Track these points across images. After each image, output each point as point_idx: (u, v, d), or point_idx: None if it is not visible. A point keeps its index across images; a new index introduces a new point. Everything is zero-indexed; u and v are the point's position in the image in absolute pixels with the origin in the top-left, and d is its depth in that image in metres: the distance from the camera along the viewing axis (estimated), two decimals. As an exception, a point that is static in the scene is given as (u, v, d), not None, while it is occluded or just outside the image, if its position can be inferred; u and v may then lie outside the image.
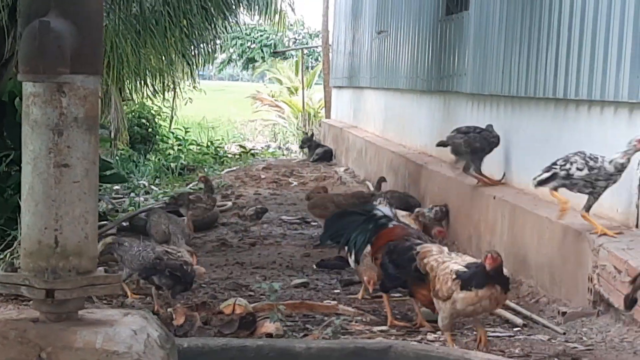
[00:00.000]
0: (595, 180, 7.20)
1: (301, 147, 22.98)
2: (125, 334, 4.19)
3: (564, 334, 6.70)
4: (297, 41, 50.25)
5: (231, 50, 48.04)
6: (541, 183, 7.54)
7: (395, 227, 7.23)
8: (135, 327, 4.27)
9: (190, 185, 16.24)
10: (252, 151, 24.61)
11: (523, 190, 9.44)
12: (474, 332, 6.70)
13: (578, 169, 7.24)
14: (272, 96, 36.35)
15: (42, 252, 4.21)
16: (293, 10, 20.56)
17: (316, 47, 39.44)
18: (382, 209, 7.52)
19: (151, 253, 7.42)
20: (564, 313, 7.06)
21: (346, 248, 7.47)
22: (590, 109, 8.30)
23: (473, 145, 9.83)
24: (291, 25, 39.32)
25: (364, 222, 7.29)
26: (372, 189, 14.14)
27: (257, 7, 17.93)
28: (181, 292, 7.43)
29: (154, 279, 7.37)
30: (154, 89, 18.91)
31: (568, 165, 7.32)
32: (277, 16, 18.71)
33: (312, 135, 23.27)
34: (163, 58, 15.30)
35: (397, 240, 6.98)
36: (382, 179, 12.12)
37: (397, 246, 6.92)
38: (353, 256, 7.37)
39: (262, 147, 27.00)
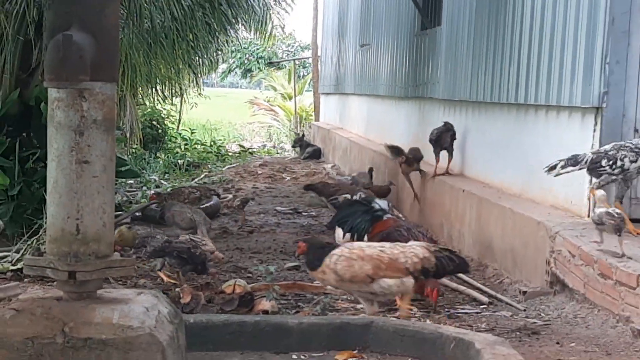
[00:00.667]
0: None
1: (293, 147, 22.93)
2: (138, 311, 4.19)
3: (525, 310, 6.71)
4: (290, 53, 50.18)
5: (231, 61, 47.93)
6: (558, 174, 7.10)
7: (389, 220, 7.28)
8: (147, 305, 4.27)
9: (196, 179, 16.21)
10: (250, 150, 24.55)
11: (489, 185, 9.45)
12: (446, 310, 6.72)
13: (631, 160, 6.88)
14: (268, 101, 36.27)
15: (65, 238, 4.22)
16: (283, 29, 20.54)
17: (307, 58, 39.39)
18: (380, 202, 7.55)
19: (179, 242, 7.47)
20: (524, 292, 7.07)
21: (349, 233, 7.51)
22: (548, 113, 8.31)
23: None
24: (284, 39, 39.31)
25: (364, 213, 7.33)
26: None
27: (253, 24, 17.90)
28: (191, 271, 7.43)
29: (165, 259, 7.43)
30: (164, 94, 18.90)
31: (619, 162, 6.88)
32: (268, 32, 18.69)
33: (303, 135, 23.24)
34: (172, 68, 15.27)
35: (388, 230, 7.02)
36: (371, 169, 12.29)
37: (389, 235, 6.95)
38: (355, 240, 7.41)
39: (259, 147, 26.92)
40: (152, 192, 11.85)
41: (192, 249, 7.38)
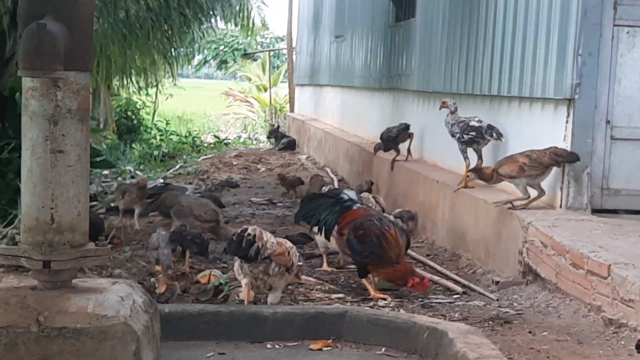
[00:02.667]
0: None
1: (268, 138, 22.91)
2: (113, 300, 4.17)
3: (498, 300, 6.72)
4: (264, 44, 50.09)
5: (206, 52, 47.78)
6: None
7: (359, 209, 7.24)
8: (122, 294, 4.26)
9: (171, 170, 16.17)
10: (225, 141, 24.51)
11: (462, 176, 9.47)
12: (420, 299, 6.73)
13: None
14: (243, 93, 36.21)
15: (40, 228, 4.19)
16: (265, 24, 20.55)
17: (281, 49, 39.34)
18: (348, 192, 7.50)
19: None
20: (497, 282, 7.10)
21: (316, 227, 7.45)
22: (521, 104, 8.34)
23: None
24: (258, 29, 39.29)
25: (332, 205, 7.28)
26: (331, 175, 14.12)
27: (229, 16, 17.89)
28: (198, 254, 7.64)
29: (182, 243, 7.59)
30: (139, 85, 18.83)
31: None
32: (246, 24, 18.73)
33: (278, 127, 23.21)
34: (146, 58, 15.21)
35: (361, 219, 7.00)
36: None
37: (362, 224, 6.93)
38: (323, 234, 7.36)
39: (234, 138, 26.88)
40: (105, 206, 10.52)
41: (202, 234, 7.76)
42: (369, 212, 7.23)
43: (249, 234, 6.10)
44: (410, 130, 10.98)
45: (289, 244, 6.35)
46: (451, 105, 9.00)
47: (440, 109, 9.27)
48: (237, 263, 6.20)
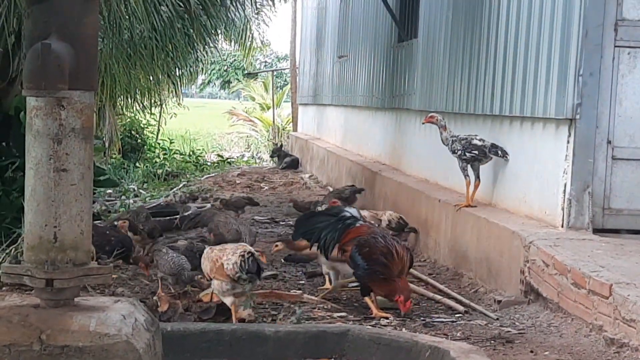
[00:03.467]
0: None
1: (271, 157, 22.92)
2: (115, 319, 4.16)
3: (499, 319, 6.71)
4: (267, 64, 50.21)
5: (210, 72, 47.89)
6: None
7: (362, 226, 7.22)
8: (124, 313, 4.24)
9: (174, 189, 16.15)
10: (229, 160, 24.50)
11: (464, 195, 9.45)
12: (422, 319, 6.71)
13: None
14: (247, 112, 36.26)
15: (43, 246, 4.18)
16: (263, 41, 20.59)
17: (285, 69, 39.39)
18: (350, 210, 7.48)
19: (181, 258, 7.40)
20: (499, 301, 7.07)
21: (317, 245, 7.41)
22: (523, 124, 8.34)
23: None
24: (262, 49, 39.47)
25: (334, 222, 7.26)
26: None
27: (233, 36, 17.95)
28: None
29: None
30: (143, 105, 18.82)
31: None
32: (249, 45, 18.80)
33: (281, 146, 23.20)
34: (151, 78, 15.23)
35: (365, 237, 6.98)
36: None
37: (366, 241, 6.92)
38: (323, 252, 7.34)
39: (238, 156, 26.87)
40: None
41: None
42: (373, 230, 7.22)
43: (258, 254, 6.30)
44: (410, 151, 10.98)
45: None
46: (440, 120, 8.95)
47: (423, 123, 9.25)
48: (221, 282, 6.38)
